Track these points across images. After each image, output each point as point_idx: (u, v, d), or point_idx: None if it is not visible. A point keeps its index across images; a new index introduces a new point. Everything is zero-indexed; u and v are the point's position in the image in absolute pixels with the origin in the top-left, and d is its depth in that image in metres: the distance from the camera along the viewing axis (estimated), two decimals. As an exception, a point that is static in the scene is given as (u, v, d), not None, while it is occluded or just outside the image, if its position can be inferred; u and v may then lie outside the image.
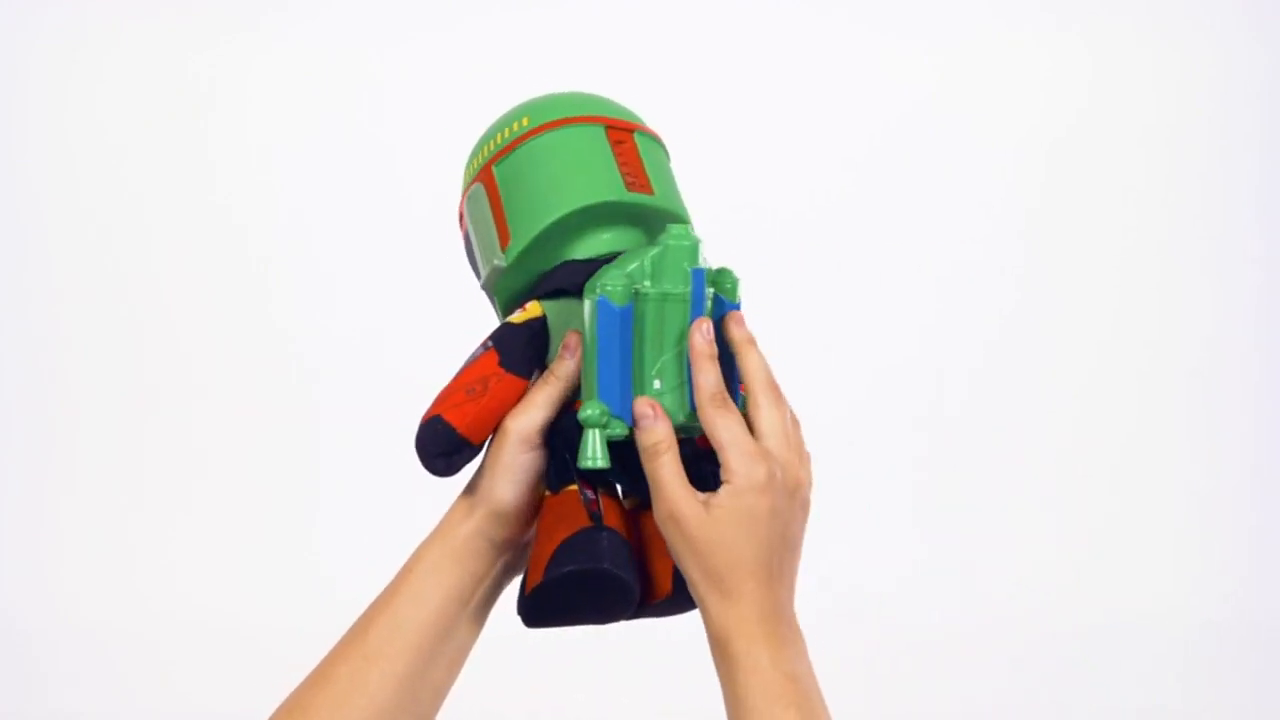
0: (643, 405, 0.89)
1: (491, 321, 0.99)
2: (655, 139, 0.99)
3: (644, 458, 0.89)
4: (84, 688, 2.48)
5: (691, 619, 0.93)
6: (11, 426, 2.74)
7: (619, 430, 0.91)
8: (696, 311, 0.90)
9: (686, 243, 0.90)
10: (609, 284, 0.90)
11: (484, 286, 0.99)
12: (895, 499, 2.74)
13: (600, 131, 0.96)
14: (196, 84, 2.74)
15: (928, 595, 2.66)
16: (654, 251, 0.91)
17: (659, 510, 0.88)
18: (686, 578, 0.88)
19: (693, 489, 0.88)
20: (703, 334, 0.89)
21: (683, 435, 0.92)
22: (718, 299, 0.92)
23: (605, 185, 0.94)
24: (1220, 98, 2.79)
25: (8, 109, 2.75)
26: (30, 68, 2.74)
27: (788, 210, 2.76)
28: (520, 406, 0.93)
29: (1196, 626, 2.63)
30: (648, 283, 0.90)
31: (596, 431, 0.90)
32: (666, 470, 0.88)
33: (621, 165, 0.95)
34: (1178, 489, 2.77)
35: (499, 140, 0.97)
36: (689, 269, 0.90)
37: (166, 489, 2.72)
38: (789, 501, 0.88)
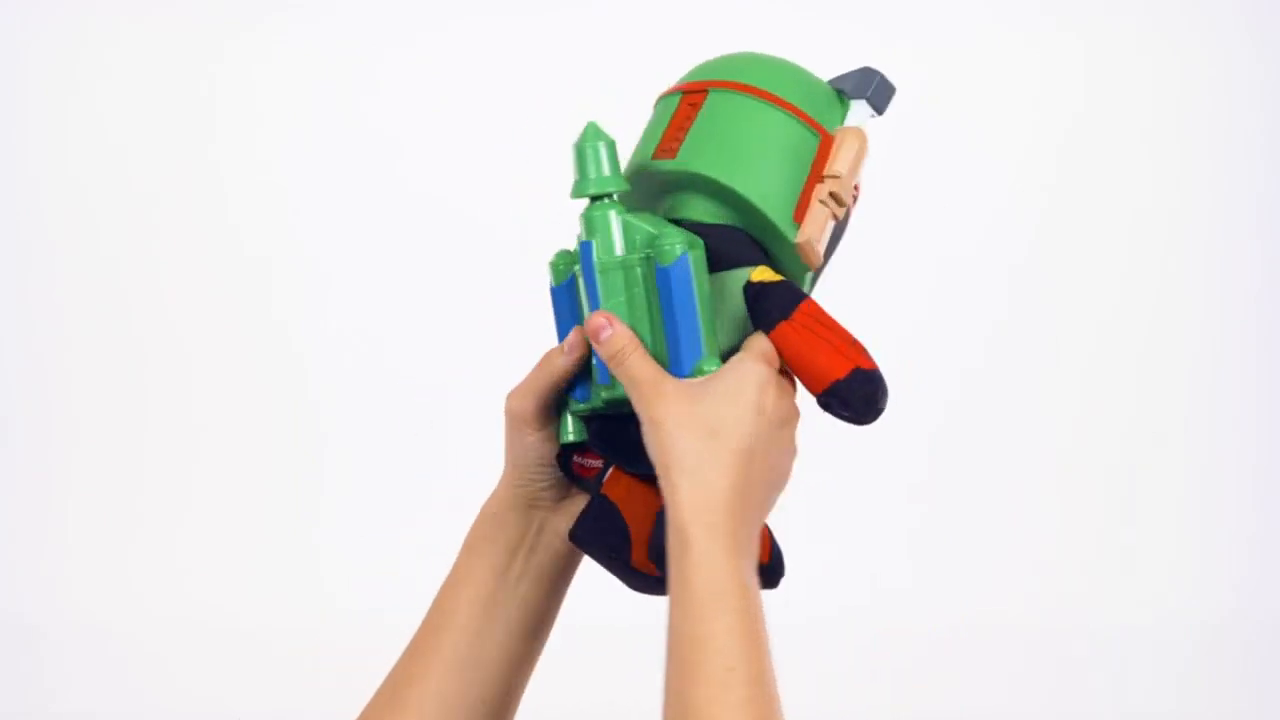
0: (597, 320, 0.86)
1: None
2: (739, 93, 0.90)
3: (611, 366, 0.86)
4: (84, 688, 2.49)
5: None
6: (12, 426, 2.74)
7: (578, 405, 0.91)
8: (589, 285, 0.86)
9: (595, 213, 0.86)
10: (551, 260, 0.89)
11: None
12: (895, 499, 2.74)
13: (674, 100, 0.91)
14: (198, 84, 2.74)
15: (927, 596, 2.66)
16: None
17: (644, 410, 0.84)
18: (659, 462, 0.83)
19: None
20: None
21: (627, 411, 0.88)
22: (656, 266, 0.86)
23: (637, 157, 0.91)
24: (1220, 98, 2.79)
25: (8, 109, 2.75)
26: (30, 68, 2.74)
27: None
28: (517, 388, 0.93)
29: (1196, 628, 2.63)
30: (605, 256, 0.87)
31: (568, 411, 0.91)
32: (638, 366, 0.85)
33: (665, 133, 0.90)
34: (1178, 490, 2.77)
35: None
36: (580, 242, 0.87)
37: (166, 489, 2.72)
38: (778, 425, 0.85)
